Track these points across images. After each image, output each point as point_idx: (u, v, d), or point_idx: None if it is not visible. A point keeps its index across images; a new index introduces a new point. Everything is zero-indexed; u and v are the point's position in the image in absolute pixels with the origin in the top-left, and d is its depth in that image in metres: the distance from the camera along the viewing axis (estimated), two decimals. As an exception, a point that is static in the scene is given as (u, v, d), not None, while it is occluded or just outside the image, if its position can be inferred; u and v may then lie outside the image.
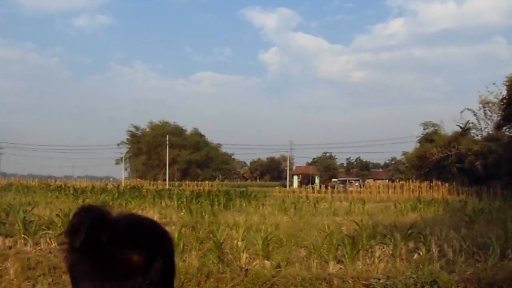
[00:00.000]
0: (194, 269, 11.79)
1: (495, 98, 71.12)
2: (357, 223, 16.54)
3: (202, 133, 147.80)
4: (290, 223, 21.35)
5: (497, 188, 58.30)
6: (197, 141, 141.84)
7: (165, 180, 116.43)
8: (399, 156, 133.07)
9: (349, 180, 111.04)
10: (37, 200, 33.93)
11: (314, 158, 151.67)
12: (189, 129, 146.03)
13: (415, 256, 13.89)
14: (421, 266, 12.14)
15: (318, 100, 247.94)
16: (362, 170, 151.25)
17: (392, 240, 14.95)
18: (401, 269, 12.05)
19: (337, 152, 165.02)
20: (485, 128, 76.60)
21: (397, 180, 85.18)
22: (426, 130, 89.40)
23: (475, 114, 76.52)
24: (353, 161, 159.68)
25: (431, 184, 71.82)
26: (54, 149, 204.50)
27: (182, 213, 26.21)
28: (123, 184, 79.52)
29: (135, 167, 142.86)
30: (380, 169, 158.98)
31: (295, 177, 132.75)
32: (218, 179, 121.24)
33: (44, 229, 16.97)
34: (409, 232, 16.11)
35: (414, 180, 77.30)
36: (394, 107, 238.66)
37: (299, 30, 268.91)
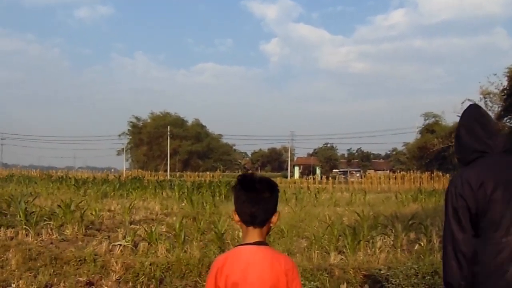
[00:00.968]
0: (195, 260, 11.78)
1: (496, 89, 70.97)
2: (358, 214, 16.55)
3: (203, 124, 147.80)
4: (291, 214, 21.32)
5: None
6: (198, 132, 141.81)
7: (166, 171, 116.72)
8: (400, 147, 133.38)
9: (350, 171, 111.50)
10: (38, 191, 33.85)
11: (315, 149, 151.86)
12: (190, 120, 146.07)
13: (416, 246, 13.88)
14: (422, 257, 12.13)
15: (319, 91, 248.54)
16: (363, 161, 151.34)
17: (393, 231, 14.94)
18: (402, 260, 12.04)
19: (338, 143, 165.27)
20: (486, 119, 76.61)
21: (398, 171, 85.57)
22: (427, 121, 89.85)
23: (476, 105, 76.53)
24: (354, 152, 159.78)
25: (432, 174, 72.08)
26: (55, 140, 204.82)
27: (183, 204, 26.21)
28: (124, 175, 79.67)
29: (136, 158, 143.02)
30: (381, 160, 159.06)
31: (296, 168, 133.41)
32: (219, 170, 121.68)
33: (45, 220, 16.96)
34: (410, 222, 16.11)
35: (415, 171, 77.63)
36: (395, 98, 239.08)
37: (300, 21, 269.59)
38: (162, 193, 34.84)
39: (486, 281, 4.00)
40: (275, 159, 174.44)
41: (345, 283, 10.31)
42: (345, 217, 20.34)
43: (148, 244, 13.77)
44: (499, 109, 70.01)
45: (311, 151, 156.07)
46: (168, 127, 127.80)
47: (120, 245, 13.65)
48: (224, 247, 13.38)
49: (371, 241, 14.29)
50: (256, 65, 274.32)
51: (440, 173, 71.89)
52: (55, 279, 10.92)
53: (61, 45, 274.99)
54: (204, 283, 8.22)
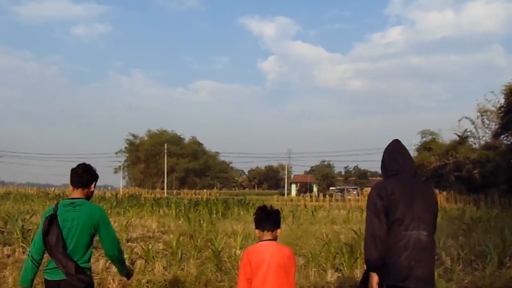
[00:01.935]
0: (192, 277, 11.80)
1: (493, 106, 71.37)
2: (355, 231, 16.52)
3: (200, 141, 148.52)
4: (288, 232, 21.33)
5: (495, 197, 58.45)
6: (195, 150, 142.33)
7: (163, 188, 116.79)
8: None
9: (347, 189, 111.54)
10: (35, 209, 33.78)
11: (312, 167, 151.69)
12: (187, 138, 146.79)
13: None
14: (419, 275, 12.16)
15: (317, 109, 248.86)
16: (360, 178, 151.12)
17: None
18: (399, 277, 12.07)
19: (335, 160, 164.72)
20: (483, 136, 76.83)
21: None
22: (424, 139, 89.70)
23: (473, 123, 76.74)
24: (351, 169, 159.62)
25: (429, 192, 71.87)
26: (53, 158, 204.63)
27: (180, 222, 26.22)
28: (121, 193, 79.83)
29: (133, 176, 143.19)
30: (378, 178, 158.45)
31: (293, 186, 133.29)
32: (216, 187, 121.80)
33: (42, 238, 16.96)
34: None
35: (412, 189, 77.34)
36: (392, 116, 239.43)
37: (298, 39, 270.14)
38: (159, 211, 34.81)
39: (389, 261, 5.98)
40: (272, 177, 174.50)
41: (342, 301, 10.32)
42: (342, 235, 20.31)
43: (145, 261, 13.78)
44: (496, 126, 70.43)
45: (308, 169, 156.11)
46: (165, 144, 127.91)
47: (117, 263, 13.66)
48: (221, 265, 13.41)
49: (368, 258, 14.30)
50: (254, 82, 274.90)
51: (437, 191, 71.79)
52: (52, 297, 10.92)
53: (59, 63, 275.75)
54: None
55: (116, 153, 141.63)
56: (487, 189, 65.11)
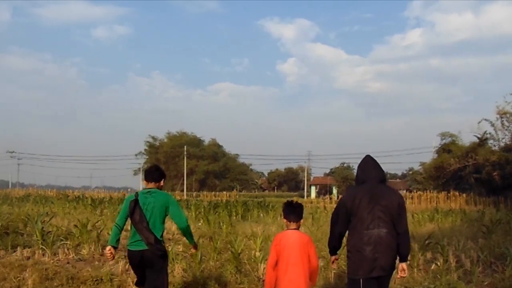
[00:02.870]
0: (212, 279, 11.82)
1: (512, 108, 70.90)
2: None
3: (220, 143, 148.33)
4: (307, 234, 21.34)
5: (515, 199, 58.08)
6: (215, 152, 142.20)
7: (183, 190, 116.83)
8: (416, 167, 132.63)
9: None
10: (55, 211, 33.97)
11: (331, 169, 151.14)
12: (207, 140, 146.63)
13: (433, 266, 13.86)
14: (439, 277, 12.12)
15: (336, 111, 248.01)
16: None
17: (410, 251, 14.92)
18: (418, 280, 12.03)
19: (354, 162, 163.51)
20: (503, 138, 76.20)
21: (415, 191, 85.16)
22: (444, 141, 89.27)
23: (492, 125, 76.12)
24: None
25: (449, 194, 71.76)
26: (72, 160, 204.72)
27: (200, 224, 26.22)
28: (140, 195, 79.69)
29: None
30: (398, 180, 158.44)
31: (313, 188, 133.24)
32: (236, 189, 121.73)
33: (62, 240, 17.02)
34: (426, 242, 16.04)
35: (431, 191, 77.31)
36: (411, 118, 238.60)
37: (317, 41, 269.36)
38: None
39: (355, 255, 7.59)
40: (292, 179, 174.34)
41: (361, 303, 10.31)
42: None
43: (164, 263, 13.81)
44: (516, 128, 69.86)
45: (327, 171, 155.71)
46: (185, 146, 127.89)
47: (137, 264, 13.71)
48: (241, 267, 13.41)
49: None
50: (273, 84, 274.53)
51: (457, 193, 71.60)
52: (72, 298, 10.98)
53: (78, 65, 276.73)
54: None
55: (136, 155, 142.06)
56: (506, 191, 64.80)
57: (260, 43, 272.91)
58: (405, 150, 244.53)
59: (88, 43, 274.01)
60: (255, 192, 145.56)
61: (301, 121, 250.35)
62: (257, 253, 14.90)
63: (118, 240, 8.93)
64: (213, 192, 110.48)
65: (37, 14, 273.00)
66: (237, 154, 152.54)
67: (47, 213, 27.23)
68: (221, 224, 24.29)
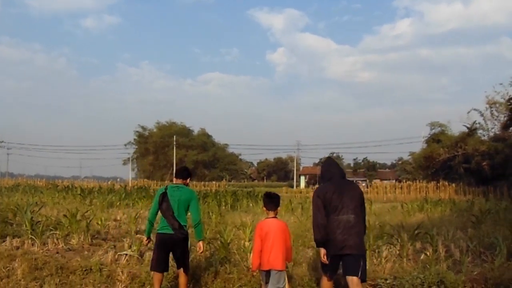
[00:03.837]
0: (201, 269, 11.82)
1: (501, 98, 71.16)
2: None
3: (209, 133, 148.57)
4: (297, 224, 21.35)
5: (504, 188, 58.34)
6: (204, 142, 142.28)
7: (172, 180, 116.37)
8: (406, 157, 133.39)
9: (356, 181, 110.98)
10: (44, 201, 33.87)
11: (321, 159, 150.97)
12: (196, 130, 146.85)
13: (422, 256, 13.86)
14: (428, 266, 12.11)
15: (326, 101, 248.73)
16: (369, 170, 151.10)
17: (399, 241, 14.91)
18: (408, 269, 12.02)
19: (344, 152, 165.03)
20: (492, 128, 76.61)
21: (404, 181, 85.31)
22: (433, 131, 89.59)
23: (482, 115, 76.53)
24: (360, 161, 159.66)
25: (438, 184, 71.96)
26: (62, 150, 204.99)
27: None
28: (130, 185, 79.81)
29: (142, 168, 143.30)
30: (387, 170, 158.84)
31: (302, 178, 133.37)
32: (225, 179, 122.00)
33: (51, 230, 16.98)
34: (416, 232, 16.04)
35: (421, 181, 77.52)
36: (401, 108, 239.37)
37: (307, 30, 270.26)
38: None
39: (331, 237, 8.93)
40: (281, 169, 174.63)
41: (351, 293, 10.31)
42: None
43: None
44: (505, 118, 70.21)
45: (317, 161, 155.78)
46: (174, 136, 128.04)
47: (126, 254, 13.70)
48: (230, 257, 13.42)
49: (377, 250, 14.28)
50: (262, 74, 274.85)
51: (446, 183, 71.73)
52: (61, 288, 10.95)
53: (68, 55, 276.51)
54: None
55: (125, 145, 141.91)
56: (496, 181, 64.99)
57: (250, 33, 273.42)
58: (394, 140, 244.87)
59: (77, 33, 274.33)
60: (244, 182, 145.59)
61: (291, 111, 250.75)
62: (246, 243, 14.93)
63: (151, 232, 10.87)
64: (202, 182, 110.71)
65: (27, 4, 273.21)
66: (226, 144, 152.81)
67: (36, 203, 27.14)
68: (211, 214, 24.31)
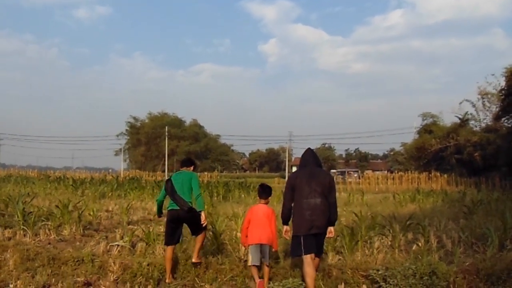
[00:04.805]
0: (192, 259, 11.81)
1: (493, 89, 71.14)
2: (356, 214, 16.47)
3: (201, 124, 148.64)
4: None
5: (496, 179, 58.26)
6: (196, 132, 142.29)
7: (164, 171, 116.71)
8: (398, 147, 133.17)
9: (348, 171, 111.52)
10: (36, 191, 33.89)
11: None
12: (188, 120, 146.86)
13: (414, 247, 13.90)
14: (420, 257, 12.13)
15: (318, 92, 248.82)
16: (361, 161, 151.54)
17: (391, 231, 14.92)
18: (400, 260, 12.04)
19: (336, 143, 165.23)
20: (484, 119, 76.63)
21: (396, 171, 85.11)
22: (425, 121, 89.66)
23: (474, 105, 76.56)
24: (352, 152, 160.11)
25: (430, 175, 71.87)
26: (53, 140, 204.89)
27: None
28: (122, 175, 79.61)
29: (134, 158, 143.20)
30: (379, 160, 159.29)
31: (294, 168, 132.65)
32: (217, 170, 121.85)
33: (43, 220, 16.97)
34: (408, 223, 16.04)
35: (413, 171, 77.45)
36: (393, 98, 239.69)
37: (299, 21, 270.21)
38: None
39: (297, 218, 10.01)
40: (273, 160, 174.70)
41: (343, 284, 10.34)
42: (343, 218, 20.24)
43: (146, 244, 13.85)
44: (497, 109, 70.26)
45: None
46: (166, 127, 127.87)
47: (118, 245, 13.70)
48: (222, 247, 13.44)
49: (369, 241, 14.29)
50: (254, 65, 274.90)
51: (438, 174, 71.73)
52: (53, 279, 10.95)
53: (60, 45, 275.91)
54: (202, 283, 10.69)
55: (117, 135, 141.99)
56: (488, 172, 65.03)
57: (242, 23, 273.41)
58: (386, 131, 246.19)
59: (69, 24, 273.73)
60: (236, 172, 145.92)
61: (283, 101, 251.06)
62: (238, 234, 14.88)
63: (161, 212, 12.91)
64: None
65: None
66: (218, 135, 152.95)
67: (28, 193, 27.16)
68: (202, 204, 24.25)
